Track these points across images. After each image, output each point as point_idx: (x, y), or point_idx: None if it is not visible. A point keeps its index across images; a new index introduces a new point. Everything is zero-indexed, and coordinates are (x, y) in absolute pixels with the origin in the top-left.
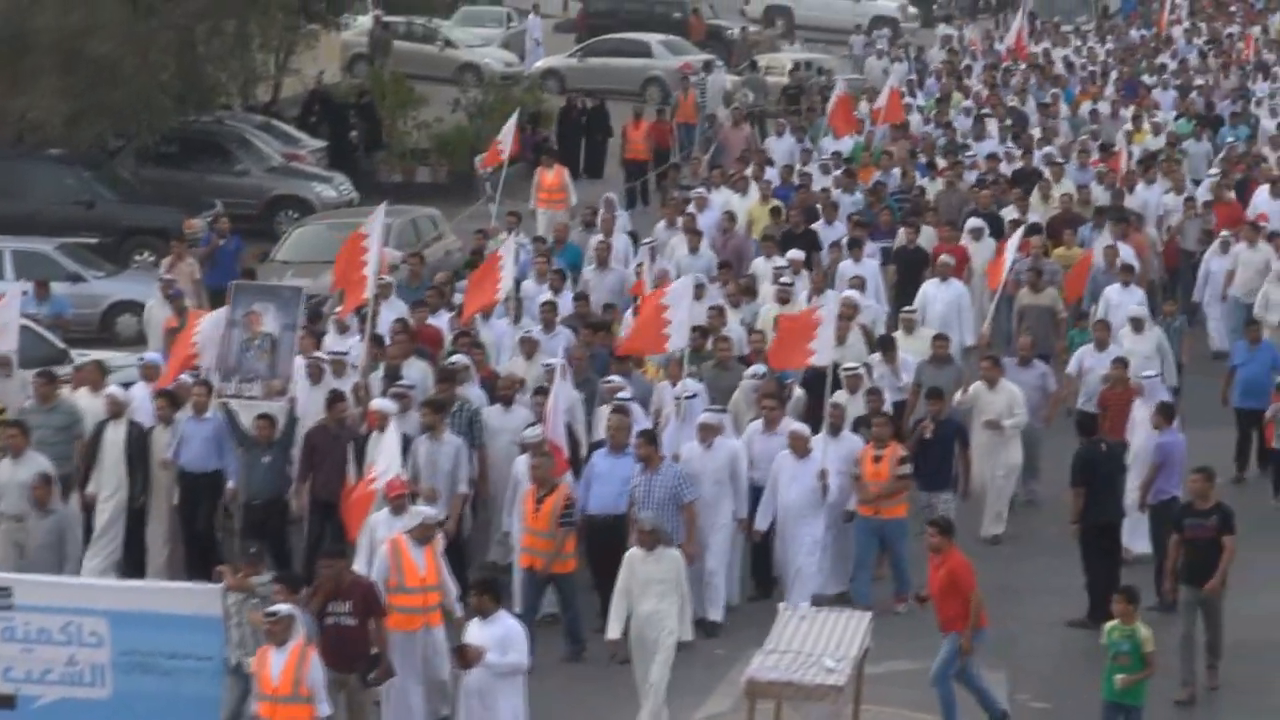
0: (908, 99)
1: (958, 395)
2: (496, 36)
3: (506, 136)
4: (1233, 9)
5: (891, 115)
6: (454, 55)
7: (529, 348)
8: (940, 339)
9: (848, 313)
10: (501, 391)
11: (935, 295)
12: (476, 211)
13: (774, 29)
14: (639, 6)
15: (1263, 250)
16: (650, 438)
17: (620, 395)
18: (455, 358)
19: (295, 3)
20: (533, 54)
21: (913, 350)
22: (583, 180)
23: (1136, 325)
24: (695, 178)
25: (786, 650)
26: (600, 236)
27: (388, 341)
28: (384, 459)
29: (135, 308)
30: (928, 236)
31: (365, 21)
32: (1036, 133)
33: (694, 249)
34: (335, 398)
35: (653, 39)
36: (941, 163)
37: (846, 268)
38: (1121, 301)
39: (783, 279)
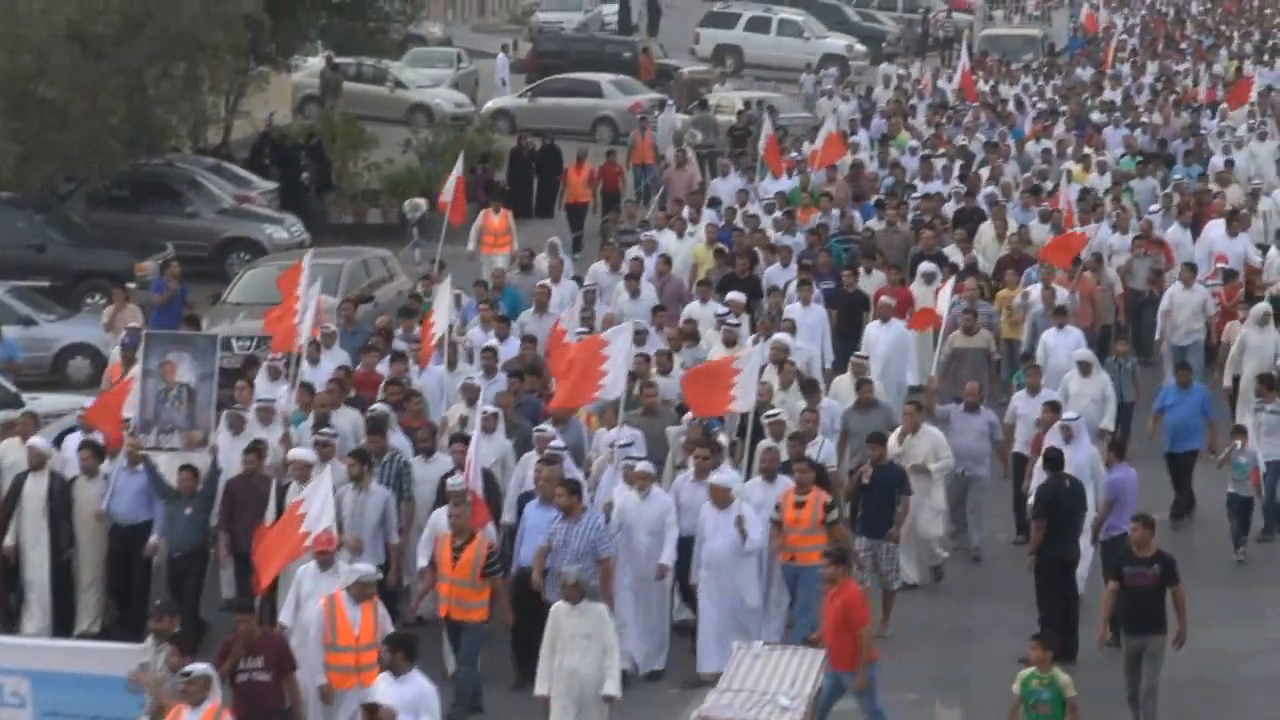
0: (853, 138)
1: (891, 440)
2: (447, 77)
3: (450, 186)
4: (1183, 45)
5: (829, 157)
6: (405, 96)
7: (470, 394)
8: (865, 384)
9: (779, 356)
10: (420, 443)
11: (877, 337)
12: (404, 255)
13: (724, 67)
14: (589, 47)
15: (1199, 292)
16: (572, 487)
17: (553, 445)
18: (375, 406)
19: (245, 45)
20: (499, 94)
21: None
22: (534, 221)
23: (1084, 369)
24: (633, 221)
25: (740, 689)
26: (545, 281)
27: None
28: (315, 509)
29: (87, 351)
30: (876, 279)
31: (316, 63)
32: (985, 172)
33: (634, 293)
34: (252, 447)
35: (603, 79)
36: (890, 202)
37: (794, 311)
38: (1058, 344)
39: (728, 320)
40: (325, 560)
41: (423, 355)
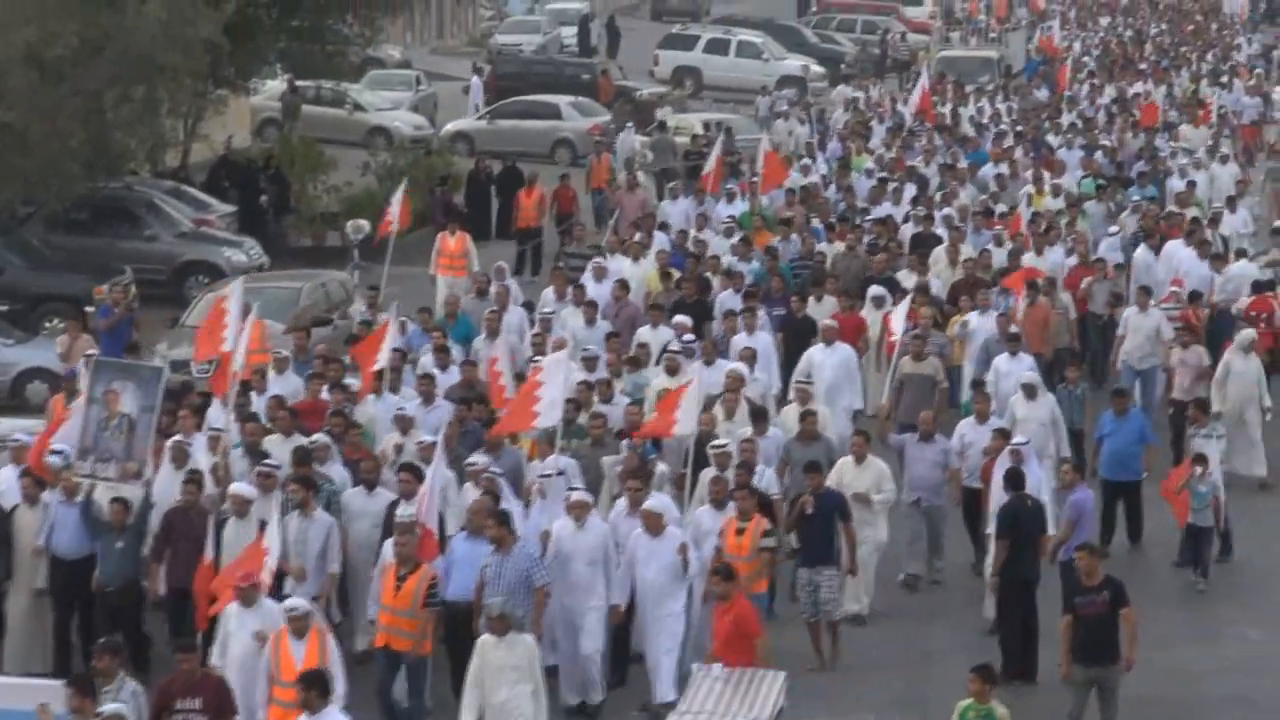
0: (801, 162)
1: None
2: (406, 100)
3: (395, 207)
4: (1142, 67)
5: (773, 179)
6: (363, 119)
7: (403, 424)
8: (808, 415)
9: (734, 385)
10: (364, 474)
11: (823, 361)
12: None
13: (683, 89)
14: (548, 69)
15: (1153, 316)
16: (503, 518)
17: (490, 472)
18: (315, 436)
19: (204, 68)
20: (473, 116)
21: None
22: (494, 243)
23: (1029, 392)
24: (583, 244)
25: (700, 711)
26: (493, 307)
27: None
28: (270, 544)
29: (45, 375)
30: (828, 305)
31: (275, 86)
32: (941, 196)
33: (590, 320)
34: (191, 478)
35: (562, 101)
36: (840, 227)
37: (739, 339)
38: (1010, 370)
39: (671, 347)
40: (248, 597)
41: (363, 385)
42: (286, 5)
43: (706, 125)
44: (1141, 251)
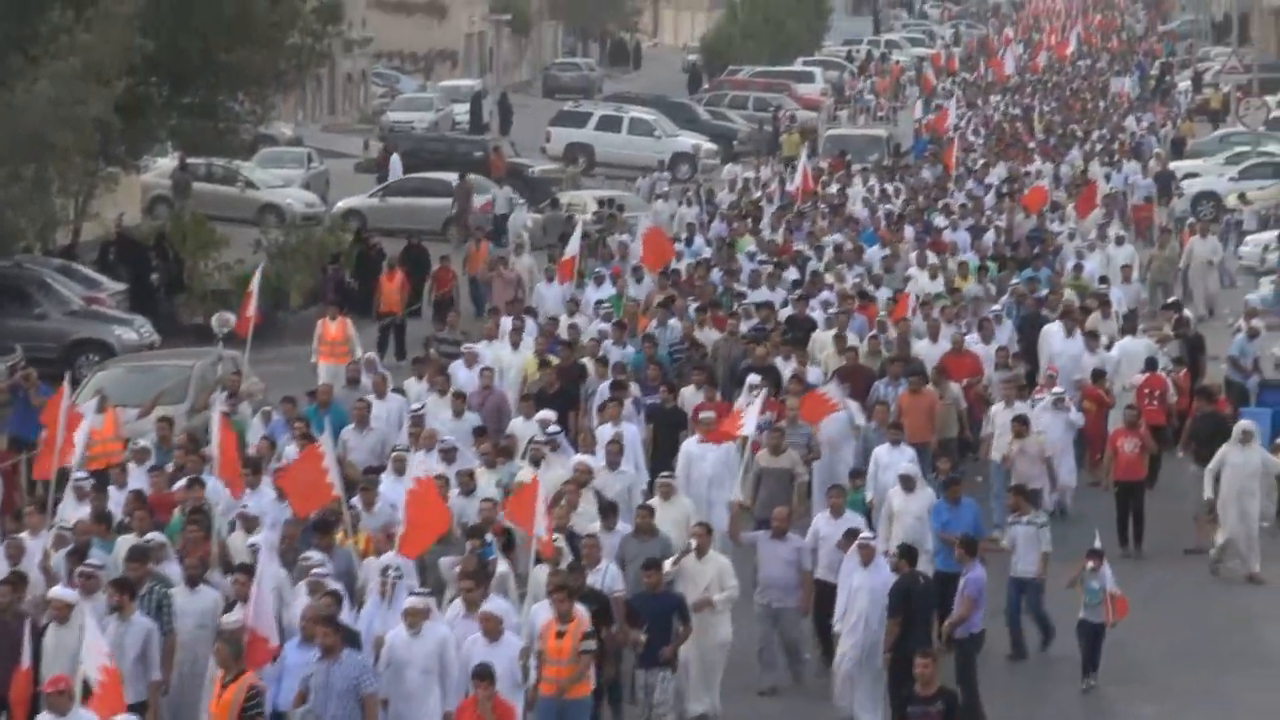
0: (678, 246)
1: (666, 564)
2: (298, 177)
3: (250, 303)
4: (1030, 145)
5: (656, 261)
6: (255, 196)
7: (249, 524)
8: (642, 510)
9: (581, 478)
10: (188, 570)
11: (700, 454)
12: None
13: (575, 166)
14: (440, 146)
15: (1017, 408)
16: (337, 624)
17: (315, 572)
18: (151, 534)
19: (94, 146)
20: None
21: (669, 520)
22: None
23: (906, 484)
24: (455, 331)
25: None
26: (368, 396)
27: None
28: (87, 652)
29: None
30: (699, 396)
31: (165, 163)
32: (830, 277)
33: (457, 412)
34: (9, 579)
35: (455, 178)
36: (712, 312)
37: (605, 430)
38: (891, 462)
39: (536, 439)
40: (59, 706)
41: (229, 479)
42: (178, 82)
43: (601, 202)
44: (1056, 330)
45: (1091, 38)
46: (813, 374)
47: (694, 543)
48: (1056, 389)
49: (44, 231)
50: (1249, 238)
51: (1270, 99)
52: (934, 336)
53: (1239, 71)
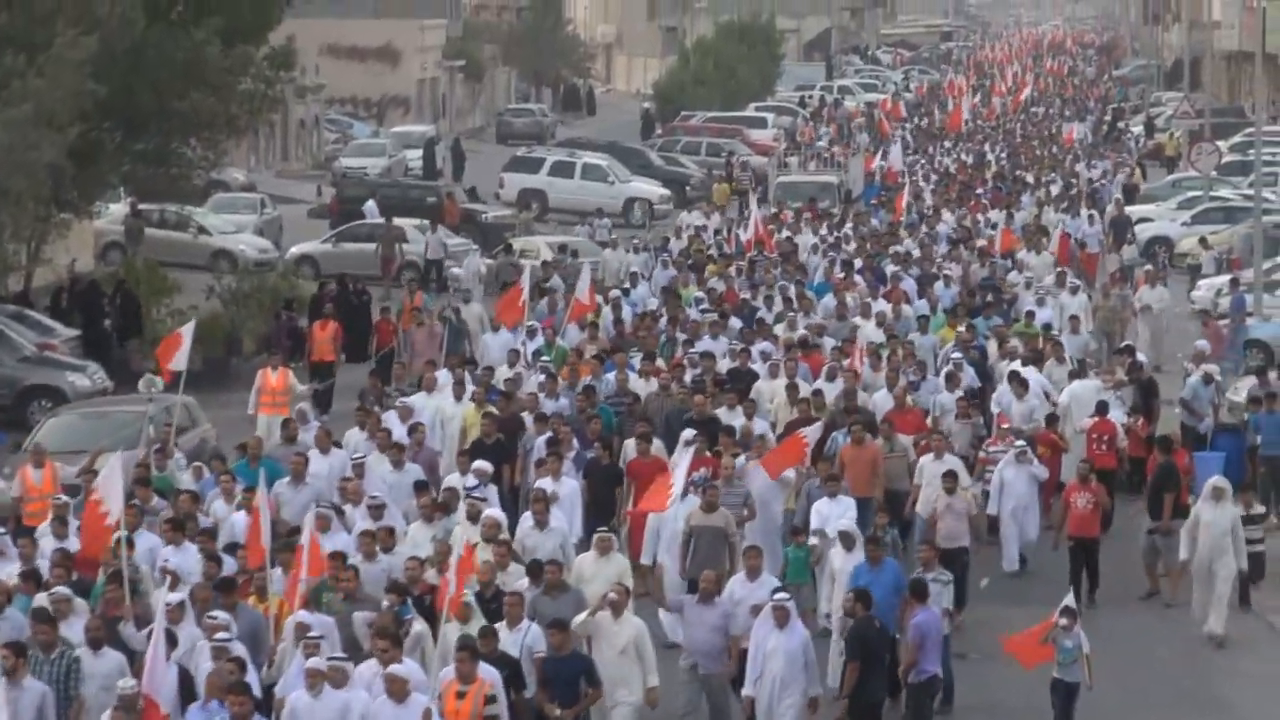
0: (615, 293)
1: (576, 620)
2: (250, 223)
3: (182, 352)
4: (979, 190)
5: (578, 311)
6: (208, 242)
7: (174, 581)
8: (550, 564)
9: (489, 534)
10: (89, 633)
11: (672, 512)
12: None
13: (529, 212)
14: (393, 191)
15: (949, 461)
16: (242, 690)
17: (220, 636)
18: (55, 589)
19: (47, 192)
20: None
21: (602, 577)
22: (343, 366)
23: (846, 542)
24: (401, 383)
25: None
26: (308, 450)
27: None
28: None
29: None
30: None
31: (118, 209)
32: (781, 329)
33: (397, 463)
34: None
35: (408, 224)
36: (645, 365)
37: (544, 484)
38: (830, 514)
39: (474, 493)
40: None
41: (84, 543)
42: (130, 128)
43: (563, 248)
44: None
45: (1042, 83)
46: (759, 425)
47: (612, 597)
48: (1019, 442)
49: None
50: (1201, 281)
51: (1222, 144)
52: (892, 386)
53: (1190, 116)
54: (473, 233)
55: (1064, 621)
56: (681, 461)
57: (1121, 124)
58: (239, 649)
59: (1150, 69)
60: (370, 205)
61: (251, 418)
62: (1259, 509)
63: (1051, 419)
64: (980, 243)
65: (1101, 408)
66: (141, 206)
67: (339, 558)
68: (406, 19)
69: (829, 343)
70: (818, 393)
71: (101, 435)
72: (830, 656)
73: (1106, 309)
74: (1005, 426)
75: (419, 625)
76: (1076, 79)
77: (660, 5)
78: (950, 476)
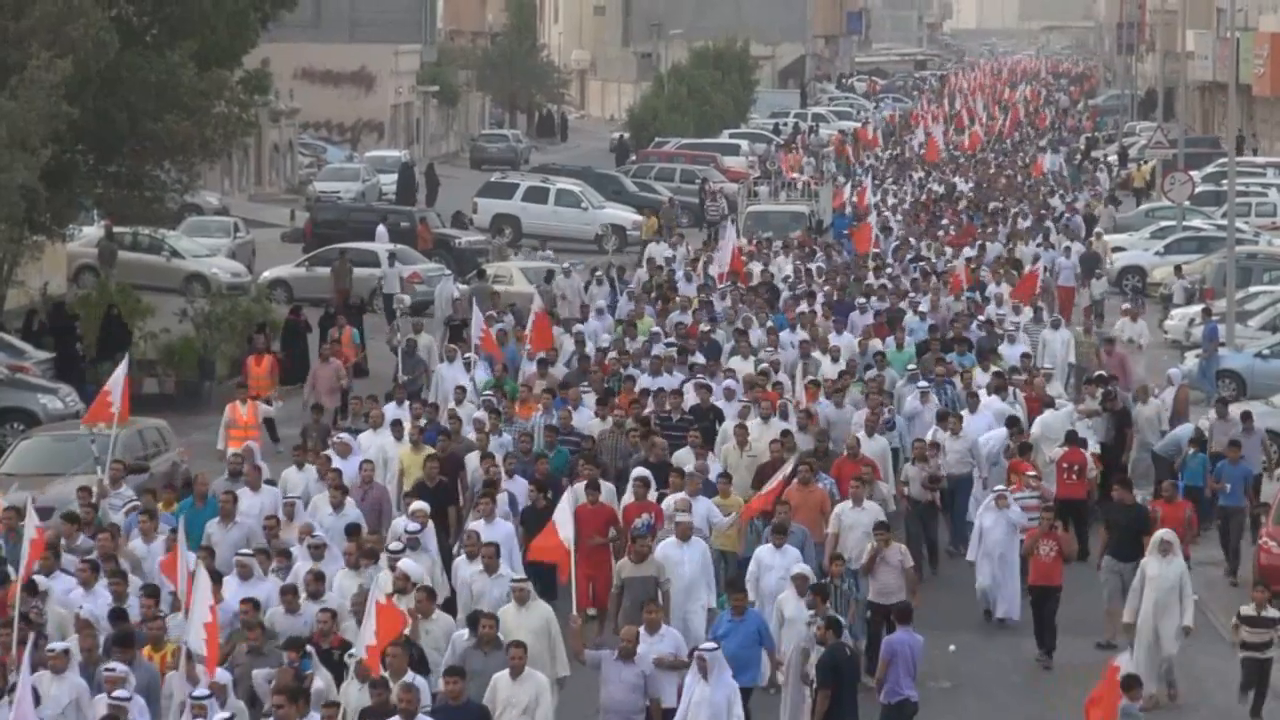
0: (578, 327)
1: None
2: (223, 247)
3: (116, 388)
4: (944, 221)
5: (539, 343)
6: (181, 265)
7: (82, 627)
8: (484, 618)
9: (399, 585)
10: None
11: (678, 557)
12: (85, 469)
13: (502, 237)
14: (367, 216)
15: (870, 509)
16: None
17: (118, 694)
18: None
19: (19, 214)
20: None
21: (527, 628)
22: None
23: (799, 588)
24: (357, 418)
25: None
26: (239, 488)
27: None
28: None
29: None
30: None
31: (91, 232)
32: (736, 361)
33: (336, 505)
34: None
35: (381, 249)
36: (598, 407)
37: (478, 527)
38: (774, 564)
39: (414, 536)
40: None
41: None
42: (104, 151)
43: (550, 273)
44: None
45: (1016, 111)
46: (714, 469)
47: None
48: (997, 487)
49: None
50: (1174, 311)
51: (1195, 174)
52: (871, 430)
53: (1164, 146)
54: (446, 258)
55: (1130, 694)
56: (566, 506)
57: (1096, 153)
58: (136, 707)
59: (1124, 99)
60: (381, 230)
61: (221, 452)
62: (1272, 612)
63: (1025, 448)
64: (951, 272)
65: (1071, 436)
66: (114, 229)
67: (250, 605)
68: (381, 44)
69: (785, 381)
70: (786, 433)
71: (73, 458)
72: (785, 700)
73: (1088, 344)
74: (1030, 473)
75: (319, 682)
76: (1051, 108)
77: (635, 31)
78: (882, 528)
